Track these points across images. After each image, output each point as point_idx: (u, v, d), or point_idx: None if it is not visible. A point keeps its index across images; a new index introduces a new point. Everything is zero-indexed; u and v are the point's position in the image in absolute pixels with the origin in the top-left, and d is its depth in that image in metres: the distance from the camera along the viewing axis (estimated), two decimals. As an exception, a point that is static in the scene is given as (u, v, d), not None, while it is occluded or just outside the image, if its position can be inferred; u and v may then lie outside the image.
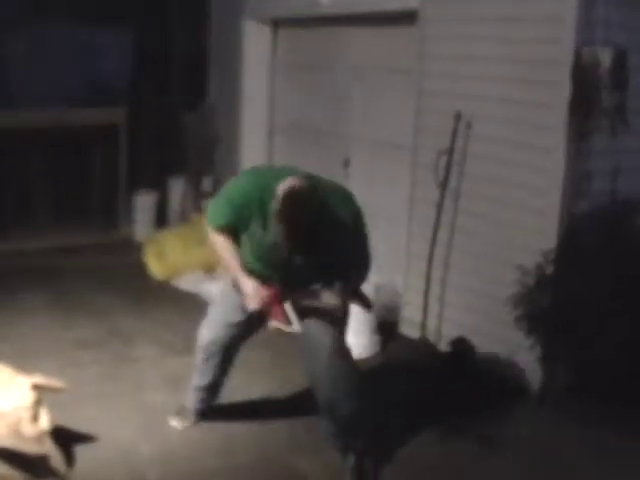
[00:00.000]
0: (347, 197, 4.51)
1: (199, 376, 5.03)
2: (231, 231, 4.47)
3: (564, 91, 5.42)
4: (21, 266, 8.18)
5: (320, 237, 4.20)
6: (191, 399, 5.12)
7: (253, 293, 4.44)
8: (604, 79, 5.37)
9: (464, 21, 6.21)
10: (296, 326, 4.42)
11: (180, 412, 5.14)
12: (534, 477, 4.82)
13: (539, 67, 5.67)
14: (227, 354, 4.93)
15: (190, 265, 8.02)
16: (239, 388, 5.40)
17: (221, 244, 4.51)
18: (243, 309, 4.62)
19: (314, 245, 4.22)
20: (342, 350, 4.58)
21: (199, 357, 4.97)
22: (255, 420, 5.22)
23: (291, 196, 4.07)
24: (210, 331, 4.86)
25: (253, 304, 4.45)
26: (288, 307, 4.43)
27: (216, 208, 4.53)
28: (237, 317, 4.73)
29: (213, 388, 5.06)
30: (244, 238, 4.47)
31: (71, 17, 9.15)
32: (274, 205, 4.12)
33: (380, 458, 4.78)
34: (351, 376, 4.61)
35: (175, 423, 5.11)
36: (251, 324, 4.76)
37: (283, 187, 4.11)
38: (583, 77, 5.38)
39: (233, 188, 4.50)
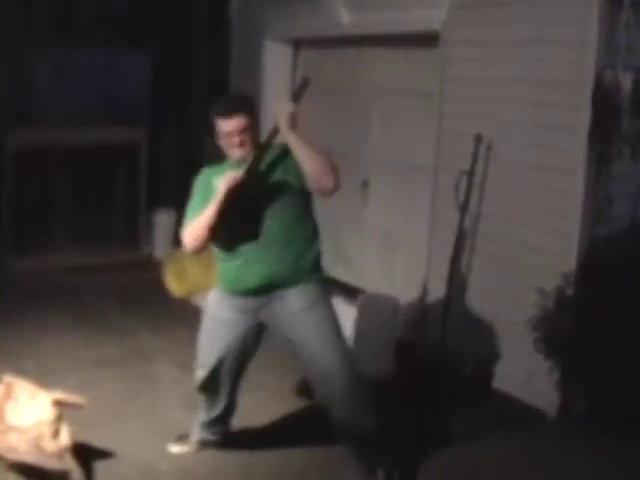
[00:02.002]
0: None
1: (206, 412, 5.00)
2: None
3: (585, 114, 5.44)
4: (42, 284, 8.24)
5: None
6: (200, 433, 5.08)
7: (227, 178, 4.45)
8: (625, 103, 5.38)
9: (485, 43, 6.23)
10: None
11: (181, 439, 5.11)
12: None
13: (560, 90, 5.69)
14: (230, 381, 4.87)
15: (210, 284, 8.01)
16: (257, 410, 5.42)
17: (192, 224, 4.61)
18: (230, 326, 4.66)
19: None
20: (353, 370, 4.58)
21: (202, 396, 4.96)
22: (273, 443, 5.20)
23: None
24: (205, 368, 4.82)
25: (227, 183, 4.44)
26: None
27: (186, 217, 4.71)
28: (227, 340, 4.71)
29: (224, 418, 5.03)
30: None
31: (94, 38, 9.24)
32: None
33: (408, 471, 4.81)
34: (365, 395, 4.62)
35: (175, 449, 5.07)
36: (245, 342, 4.73)
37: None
38: (604, 101, 5.39)
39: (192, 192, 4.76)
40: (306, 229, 4.58)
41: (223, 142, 4.55)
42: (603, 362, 5.28)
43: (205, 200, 4.54)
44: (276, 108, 4.46)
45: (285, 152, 4.48)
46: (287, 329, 4.59)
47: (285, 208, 4.47)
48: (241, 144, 4.49)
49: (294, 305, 4.52)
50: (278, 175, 4.50)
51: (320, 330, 4.53)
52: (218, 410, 4.95)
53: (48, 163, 9.16)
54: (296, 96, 4.64)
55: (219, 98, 4.80)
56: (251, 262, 4.50)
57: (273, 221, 4.46)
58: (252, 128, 4.52)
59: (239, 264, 4.55)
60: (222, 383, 4.84)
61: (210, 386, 4.85)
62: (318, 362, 4.54)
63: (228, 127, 4.47)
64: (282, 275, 4.49)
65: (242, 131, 4.47)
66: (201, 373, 4.85)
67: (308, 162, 4.36)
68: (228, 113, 4.48)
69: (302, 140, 4.42)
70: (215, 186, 4.47)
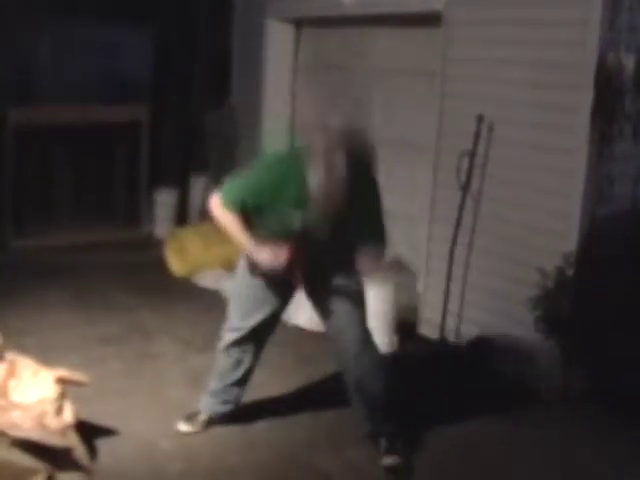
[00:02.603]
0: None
1: (221, 377, 5.00)
2: (240, 212, 4.48)
3: (587, 95, 5.44)
4: (43, 262, 8.23)
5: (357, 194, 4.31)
6: (209, 403, 5.08)
7: (271, 254, 4.42)
8: (627, 84, 5.39)
9: (488, 24, 6.23)
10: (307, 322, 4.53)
11: (190, 418, 5.09)
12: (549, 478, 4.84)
13: (563, 70, 5.69)
14: (254, 348, 4.92)
15: (210, 262, 8.05)
16: (260, 386, 5.41)
17: (229, 220, 4.51)
18: (263, 295, 4.70)
19: (352, 202, 4.30)
20: (367, 333, 4.72)
21: (223, 358, 4.96)
22: (276, 418, 5.24)
23: (348, 130, 4.32)
24: (237, 332, 4.85)
25: (275, 263, 4.42)
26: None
27: (231, 187, 4.53)
28: (259, 306, 4.76)
29: (241, 384, 5.03)
30: (256, 221, 4.52)
31: (95, 15, 9.20)
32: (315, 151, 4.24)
33: (411, 443, 4.87)
34: (377, 358, 4.77)
35: (184, 428, 5.05)
36: (274, 308, 4.80)
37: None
38: (606, 82, 5.39)
39: (251, 174, 4.54)
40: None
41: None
42: (603, 342, 5.30)
43: (253, 192, 4.45)
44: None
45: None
46: (319, 286, 4.67)
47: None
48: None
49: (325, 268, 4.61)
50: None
51: (349, 290, 4.63)
52: (238, 374, 4.96)
53: (49, 141, 9.14)
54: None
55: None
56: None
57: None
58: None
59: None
60: (251, 347, 4.89)
61: (238, 348, 4.88)
62: (335, 318, 4.66)
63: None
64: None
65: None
66: (231, 336, 4.88)
67: None
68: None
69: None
70: (281, 177, 4.39)
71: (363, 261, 4.50)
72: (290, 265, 4.44)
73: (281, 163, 4.53)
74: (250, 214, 4.48)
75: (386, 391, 4.76)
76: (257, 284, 4.72)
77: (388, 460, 4.71)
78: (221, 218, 4.52)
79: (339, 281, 4.61)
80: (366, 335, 4.71)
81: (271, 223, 4.48)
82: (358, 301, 4.69)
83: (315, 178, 4.21)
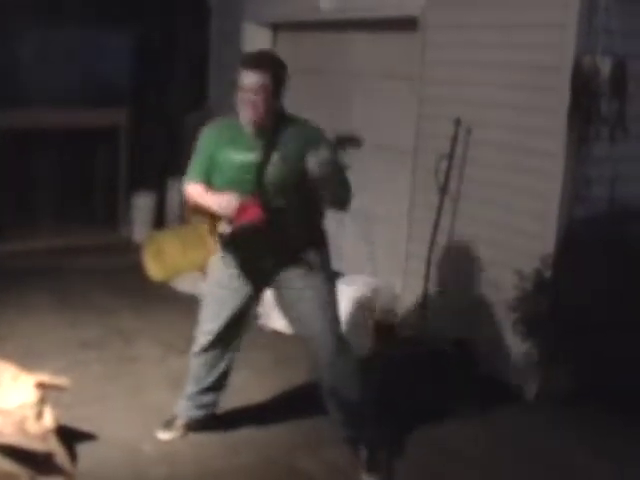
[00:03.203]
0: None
1: (196, 381, 4.99)
2: (204, 180, 4.59)
3: (564, 97, 5.48)
4: (22, 266, 8.21)
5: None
6: (185, 407, 5.06)
7: (228, 201, 4.43)
8: (603, 87, 5.42)
9: (465, 27, 6.26)
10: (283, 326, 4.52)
11: (168, 424, 5.08)
12: (532, 478, 4.87)
13: (539, 73, 5.73)
14: (227, 351, 4.91)
15: (188, 266, 8.02)
16: (240, 390, 5.43)
17: (195, 191, 4.62)
18: (227, 298, 4.72)
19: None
20: (340, 338, 4.67)
21: (196, 362, 4.96)
22: (258, 421, 5.25)
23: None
24: (208, 335, 4.85)
25: (228, 205, 4.43)
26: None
27: (189, 166, 4.67)
28: (230, 302, 4.76)
29: (216, 387, 5.02)
30: (216, 175, 4.57)
31: (74, 18, 9.18)
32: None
33: (391, 450, 4.87)
34: (352, 363, 4.71)
35: (164, 436, 5.03)
36: (243, 313, 4.80)
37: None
38: (583, 84, 5.42)
39: (197, 146, 4.68)
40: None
41: (238, 97, 4.40)
42: (582, 343, 5.34)
43: (208, 160, 4.56)
44: None
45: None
46: (284, 290, 4.64)
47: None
48: (253, 106, 4.35)
49: (293, 269, 4.57)
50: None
51: (313, 294, 4.58)
52: (213, 378, 4.95)
53: (30, 144, 9.12)
54: (338, 147, 4.43)
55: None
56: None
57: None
58: (271, 94, 4.39)
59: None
60: (224, 350, 4.89)
61: (211, 351, 4.87)
62: (306, 325, 4.62)
63: (246, 80, 4.35)
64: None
65: (258, 90, 4.34)
66: (203, 339, 4.88)
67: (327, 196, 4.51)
68: (252, 65, 4.39)
69: None
70: (221, 139, 4.53)
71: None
72: (244, 211, 4.39)
73: (217, 126, 4.69)
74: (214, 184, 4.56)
75: (363, 396, 4.72)
76: (223, 282, 4.73)
77: (365, 477, 4.69)
78: (191, 196, 4.64)
79: (303, 280, 4.56)
80: (339, 341, 4.64)
81: (227, 185, 4.50)
82: (326, 302, 4.62)
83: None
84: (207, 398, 5.03)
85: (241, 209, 4.37)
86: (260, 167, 4.41)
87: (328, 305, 4.64)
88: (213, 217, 4.53)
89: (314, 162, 4.23)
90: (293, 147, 4.40)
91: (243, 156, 4.45)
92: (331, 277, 4.76)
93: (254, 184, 4.41)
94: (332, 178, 4.31)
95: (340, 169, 4.40)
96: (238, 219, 4.39)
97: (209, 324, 4.85)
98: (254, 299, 4.83)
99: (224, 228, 4.47)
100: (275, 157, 4.41)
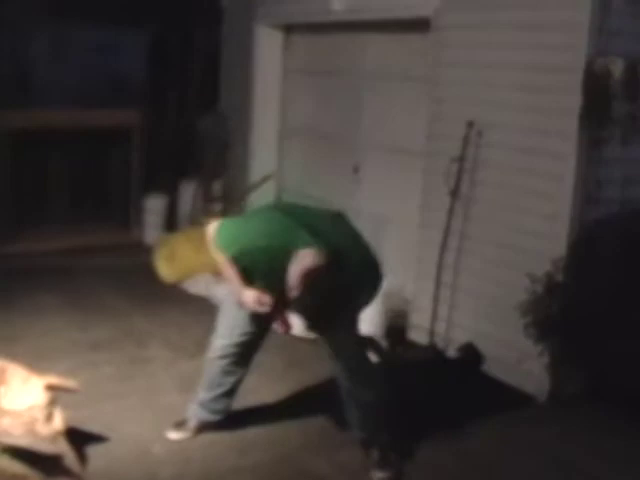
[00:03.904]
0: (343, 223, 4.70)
1: (210, 387, 5.00)
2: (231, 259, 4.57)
3: (576, 99, 5.46)
4: (33, 267, 8.23)
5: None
6: (197, 412, 5.07)
7: (255, 299, 4.49)
8: (615, 88, 5.41)
9: (477, 28, 6.24)
10: (297, 329, 4.52)
11: (179, 425, 5.08)
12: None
13: (552, 75, 5.70)
14: (243, 360, 4.92)
15: (200, 269, 8.04)
16: (253, 391, 5.43)
17: (220, 259, 4.61)
18: (250, 318, 4.72)
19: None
20: (360, 348, 4.75)
21: (211, 368, 4.97)
22: (269, 422, 5.25)
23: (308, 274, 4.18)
24: (226, 339, 4.86)
25: (258, 308, 4.50)
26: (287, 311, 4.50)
27: (226, 237, 4.57)
28: (245, 326, 4.78)
29: (230, 394, 5.03)
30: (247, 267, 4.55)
31: (89, 18, 9.17)
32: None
33: (402, 453, 4.86)
34: (370, 370, 4.78)
35: (174, 436, 5.04)
36: (259, 331, 4.82)
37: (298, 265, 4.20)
38: (595, 86, 5.41)
39: (245, 232, 4.56)
40: None
41: None
42: (593, 345, 5.32)
43: (242, 257, 4.51)
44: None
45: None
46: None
47: None
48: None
49: None
50: None
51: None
52: (227, 385, 4.97)
53: (43, 145, 9.12)
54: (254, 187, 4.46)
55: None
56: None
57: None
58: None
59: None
60: (239, 358, 4.89)
61: (227, 359, 4.88)
62: (328, 346, 4.64)
63: None
64: None
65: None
66: (219, 346, 4.88)
67: None
68: None
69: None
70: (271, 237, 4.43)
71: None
72: (274, 311, 4.50)
73: (274, 226, 4.50)
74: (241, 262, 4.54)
75: (379, 400, 4.73)
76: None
77: (379, 475, 4.70)
78: (214, 252, 4.63)
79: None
80: (358, 352, 4.70)
81: (259, 276, 4.51)
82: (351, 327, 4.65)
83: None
84: (220, 405, 5.04)
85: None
86: None
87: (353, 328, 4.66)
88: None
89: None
90: None
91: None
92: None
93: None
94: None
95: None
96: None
97: (227, 332, 4.87)
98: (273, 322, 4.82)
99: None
100: None
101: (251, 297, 4.50)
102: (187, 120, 9.76)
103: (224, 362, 4.90)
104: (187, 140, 9.71)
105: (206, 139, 9.51)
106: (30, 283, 7.70)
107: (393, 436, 4.84)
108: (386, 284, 6.74)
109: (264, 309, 4.51)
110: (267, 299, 4.48)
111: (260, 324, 4.77)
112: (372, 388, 4.71)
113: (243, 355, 4.89)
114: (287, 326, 4.62)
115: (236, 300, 4.59)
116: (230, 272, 4.58)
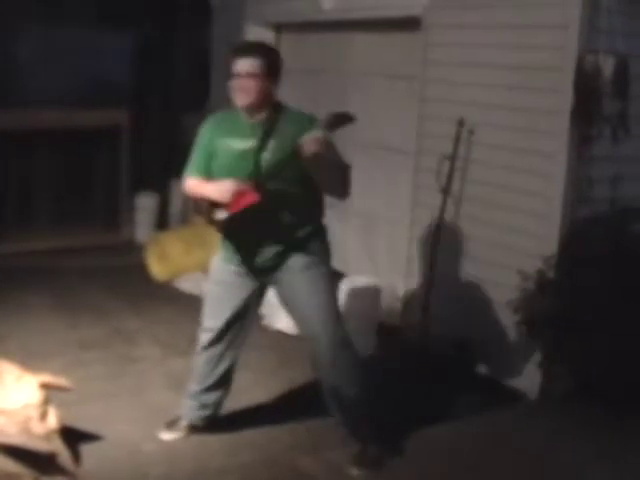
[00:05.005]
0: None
1: (199, 379, 4.98)
2: (204, 174, 4.61)
3: (566, 98, 5.48)
4: (24, 266, 8.22)
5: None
6: (189, 407, 5.05)
7: (225, 187, 4.43)
8: (606, 87, 5.42)
9: (467, 28, 6.26)
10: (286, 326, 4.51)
11: (171, 424, 5.07)
12: (534, 479, 4.86)
13: (542, 74, 5.72)
14: (230, 349, 4.90)
15: (192, 266, 8.05)
16: (242, 390, 5.41)
17: (193, 184, 4.64)
18: (229, 296, 4.74)
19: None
20: (342, 334, 4.67)
21: (199, 360, 4.96)
22: (259, 422, 5.24)
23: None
24: (211, 332, 4.85)
25: (226, 194, 4.41)
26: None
27: (189, 161, 4.71)
28: (226, 307, 4.78)
29: (218, 388, 5.00)
30: (215, 166, 4.61)
31: (75, 18, 9.17)
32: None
33: (386, 448, 4.87)
34: (354, 360, 4.73)
35: (167, 436, 5.02)
36: (245, 311, 4.81)
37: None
38: (585, 84, 5.42)
39: (197, 139, 4.72)
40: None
41: (230, 84, 4.50)
42: (584, 343, 5.33)
43: (207, 154, 4.61)
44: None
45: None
46: (284, 286, 4.66)
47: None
48: (245, 91, 4.43)
49: (292, 265, 4.58)
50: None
51: (312, 291, 4.59)
52: (215, 376, 4.93)
53: (30, 145, 9.11)
54: (332, 126, 4.34)
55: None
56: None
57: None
58: (264, 80, 4.47)
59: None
60: (226, 347, 4.87)
61: (213, 348, 4.87)
62: (307, 323, 4.65)
63: (238, 66, 4.44)
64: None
65: (250, 76, 4.42)
66: (205, 337, 4.88)
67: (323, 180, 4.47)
68: (243, 52, 4.50)
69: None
70: (219, 131, 4.59)
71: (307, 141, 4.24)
72: (241, 196, 4.38)
73: (215, 119, 4.74)
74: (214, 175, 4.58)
75: (364, 395, 4.73)
76: (224, 279, 4.76)
77: (354, 471, 4.71)
78: (190, 189, 4.65)
79: (302, 275, 4.57)
80: (340, 338, 4.64)
81: (226, 173, 4.51)
82: (326, 300, 4.63)
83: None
84: (210, 397, 5.01)
85: (238, 194, 4.36)
86: (257, 154, 4.45)
87: (327, 302, 4.64)
88: (212, 206, 4.50)
89: (306, 140, 4.22)
90: (289, 133, 4.41)
91: (240, 144, 4.50)
92: (331, 273, 4.76)
93: (251, 171, 4.44)
94: (325, 159, 4.28)
95: (334, 151, 4.42)
96: (236, 205, 4.38)
97: (210, 322, 4.86)
98: (256, 297, 4.83)
99: (221, 214, 4.44)
100: (272, 143, 4.46)
101: (229, 184, 4.42)
102: (175, 118, 9.75)
103: (211, 351, 4.88)
104: (175, 138, 9.69)
105: (194, 137, 9.47)
106: (19, 283, 7.68)
107: (380, 434, 4.85)
108: (377, 281, 6.81)
109: (228, 192, 4.40)
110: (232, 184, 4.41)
111: (244, 295, 4.75)
112: (357, 382, 4.71)
113: (230, 343, 4.86)
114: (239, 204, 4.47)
115: (219, 197, 4.44)
116: (203, 186, 4.57)
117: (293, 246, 4.57)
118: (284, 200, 4.45)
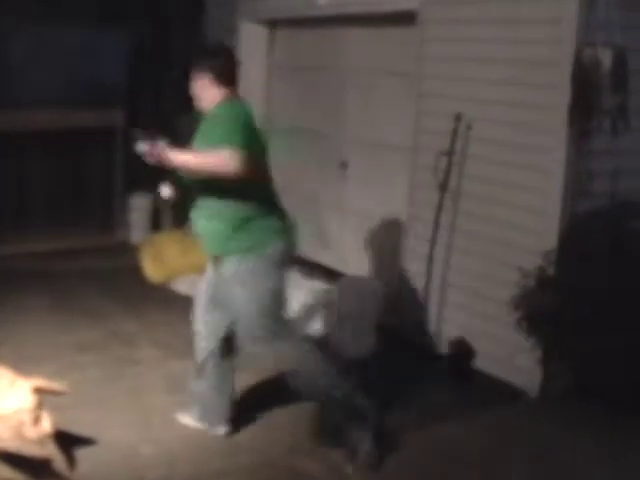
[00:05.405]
0: None
1: (221, 394, 5.05)
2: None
3: (565, 92, 5.43)
4: (18, 269, 8.16)
5: None
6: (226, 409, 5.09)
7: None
8: (605, 80, 5.39)
9: (464, 22, 6.21)
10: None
11: (186, 404, 5.13)
12: (533, 478, 4.82)
13: (540, 68, 5.68)
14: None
15: (187, 268, 7.99)
16: (240, 391, 5.38)
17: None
18: (213, 300, 4.91)
19: None
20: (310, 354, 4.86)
21: (210, 364, 4.99)
22: (257, 423, 5.22)
23: None
24: (209, 338, 4.94)
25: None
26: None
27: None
28: (211, 309, 4.94)
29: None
30: None
31: (69, 19, 9.12)
32: None
33: (383, 447, 4.83)
34: (323, 371, 4.82)
35: (184, 419, 5.12)
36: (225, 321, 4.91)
37: None
38: (584, 78, 5.38)
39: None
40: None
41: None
42: (585, 340, 5.28)
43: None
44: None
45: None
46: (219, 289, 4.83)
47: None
48: (196, 97, 4.90)
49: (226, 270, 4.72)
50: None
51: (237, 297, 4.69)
52: (230, 387, 5.09)
53: (24, 146, 9.06)
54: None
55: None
56: None
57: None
58: (207, 83, 4.83)
59: None
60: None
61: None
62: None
63: (191, 78, 4.89)
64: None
65: (198, 86, 4.87)
66: (205, 343, 4.99)
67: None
68: (193, 67, 4.90)
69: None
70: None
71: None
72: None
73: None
74: None
75: (346, 398, 4.75)
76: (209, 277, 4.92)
77: (348, 469, 4.71)
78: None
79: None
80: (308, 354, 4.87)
81: None
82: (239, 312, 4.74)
83: None
84: (229, 413, 5.08)
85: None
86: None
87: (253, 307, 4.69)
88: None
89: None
90: (203, 130, 4.80)
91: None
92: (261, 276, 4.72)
93: None
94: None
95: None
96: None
97: (199, 323, 5.02)
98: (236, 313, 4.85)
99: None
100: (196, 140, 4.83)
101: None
102: (169, 119, 9.69)
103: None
104: (169, 139, 9.62)
105: (188, 138, 9.43)
106: (14, 285, 7.61)
107: (377, 433, 4.80)
108: (375, 279, 6.76)
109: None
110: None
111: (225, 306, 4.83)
112: (337, 387, 4.74)
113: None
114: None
115: None
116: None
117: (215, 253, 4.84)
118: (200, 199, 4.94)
